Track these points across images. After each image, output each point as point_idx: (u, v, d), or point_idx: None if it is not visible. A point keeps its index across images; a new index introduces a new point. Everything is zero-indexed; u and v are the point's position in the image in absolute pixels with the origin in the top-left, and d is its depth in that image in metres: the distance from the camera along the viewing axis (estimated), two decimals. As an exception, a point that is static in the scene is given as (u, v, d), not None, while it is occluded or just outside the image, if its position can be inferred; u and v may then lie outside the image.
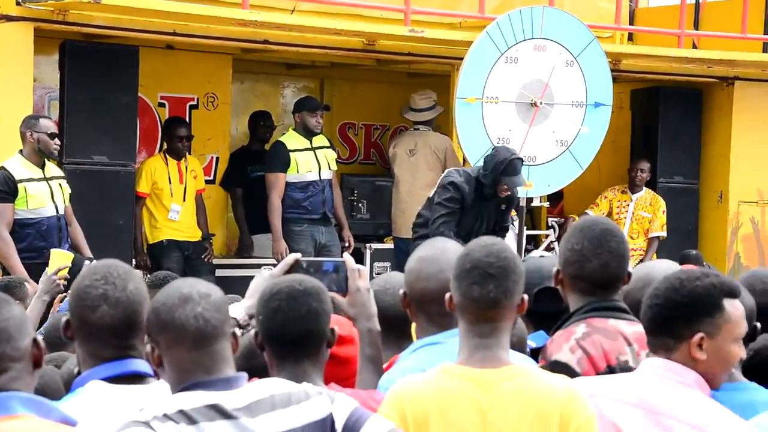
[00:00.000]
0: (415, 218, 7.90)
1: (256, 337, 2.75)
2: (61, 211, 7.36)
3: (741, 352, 2.74)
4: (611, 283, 3.21)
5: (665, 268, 3.34)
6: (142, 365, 2.63)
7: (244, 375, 2.50)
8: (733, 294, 2.73)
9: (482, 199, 7.59)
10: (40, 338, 2.30)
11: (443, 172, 8.69)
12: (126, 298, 2.61)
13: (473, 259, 2.71)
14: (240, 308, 3.03)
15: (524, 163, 8.06)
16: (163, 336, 2.47)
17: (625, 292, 3.31)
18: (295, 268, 3.06)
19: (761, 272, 3.69)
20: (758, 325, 3.30)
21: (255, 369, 2.78)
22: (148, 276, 5.98)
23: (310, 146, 8.80)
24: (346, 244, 8.97)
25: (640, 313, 2.81)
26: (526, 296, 2.75)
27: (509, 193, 7.63)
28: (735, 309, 2.73)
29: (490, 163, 7.56)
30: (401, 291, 3.09)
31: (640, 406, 2.69)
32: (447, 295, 2.76)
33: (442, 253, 3.06)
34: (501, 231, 7.71)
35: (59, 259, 5.62)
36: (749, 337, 2.96)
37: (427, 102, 9.31)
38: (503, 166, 7.48)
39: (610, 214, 10.08)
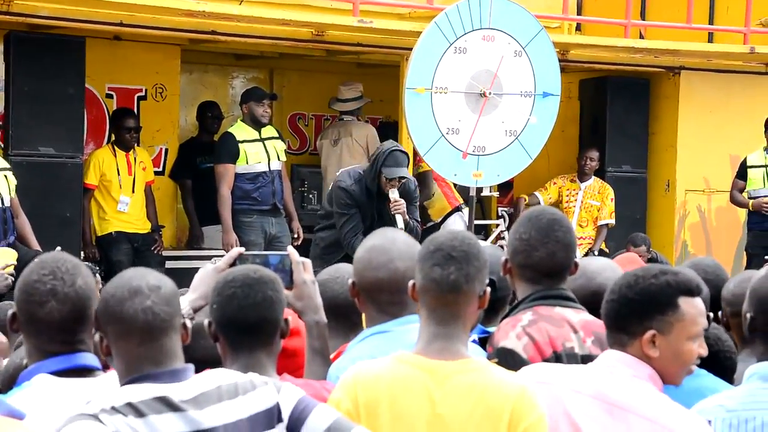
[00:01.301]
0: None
1: (210, 326, 2.74)
2: (6, 203, 7.28)
3: (700, 350, 2.74)
4: (558, 272, 3.24)
5: (599, 264, 3.39)
6: (90, 359, 2.61)
7: (191, 367, 2.49)
8: (691, 292, 2.73)
9: (372, 196, 7.44)
10: None
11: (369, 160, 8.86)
12: (74, 293, 2.59)
13: (438, 242, 2.73)
14: (184, 301, 3.01)
15: (474, 153, 8.10)
16: (112, 328, 2.46)
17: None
18: (239, 261, 3.05)
19: (704, 261, 3.73)
20: (710, 314, 3.34)
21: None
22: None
23: (259, 137, 8.79)
24: (295, 236, 8.97)
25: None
26: (488, 289, 2.75)
27: (393, 185, 7.37)
28: (691, 307, 2.73)
29: (373, 158, 7.58)
30: (350, 280, 3.09)
31: (596, 397, 2.72)
32: (410, 283, 2.76)
33: (392, 242, 3.07)
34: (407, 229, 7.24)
35: (2, 256, 5.57)
36: None
37: (352, 93, 9.45)
38: (384, 158, 7.44)
39: (559, 202, 10.16)
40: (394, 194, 7.38)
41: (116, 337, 2.45)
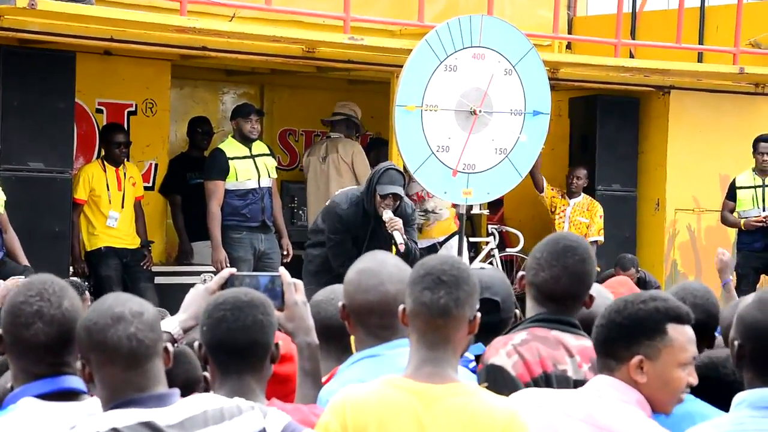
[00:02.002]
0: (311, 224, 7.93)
1: (200, 348, 2.73)
2: (-6, 219, 7.26)
3: (689, 378, 2.73)
4: (561, 298, 3.23)
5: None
6: (76, 382, 2.59)
7: (177, 392, 2.48)
8: (680, 319, 2.72)
9: (370, 217, 7.41)
10: None
11: (355, 177, 8.83)
12: (61, 315, 2.57)
13: (428, 266, 2.72)
14: (174, 322, 3.00)
15: (464, 171, 8.11)
16: (95, 355, 2.45)
17: None
18: (230, 281, 3.04)
19: (692, 285, 3.72)
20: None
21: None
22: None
23: (249, 154, 8.78)
24: (285, 252, 8.96)
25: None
26: (479, 314, 2.74)
27: (387, 204, 7.34)
28: (679, 334, 2.72)
29: (368, 178, 7.58)
30: (340, 303, 3.08)
31: (587, 421, 2.71)
32: (400, 307, 2.75)
33: (381, 265, 3.06)
34: (401, 255, 7.07)
35: None
36: None
37: (344, 110, 9.45)
38: (378, 176, 7.43)
39: (553, 211, 10.13)
40: (387, 214, 7.36)
41: (100, 365, 2.44)
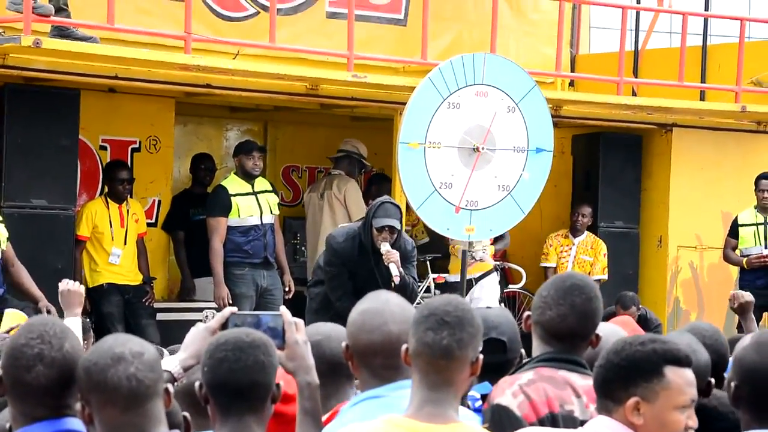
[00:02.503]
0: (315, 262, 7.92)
1: (201, 389, 2.73)
2: (-4, 256, 7.25)
3: (689, 422, 2.71)
4: (567, 337, 3.21)
5: (606, 330, 3.36)
6: (76, 424, 2.58)
7: (176, 433, 2.47)
8: (678, 362, 2.71)
9: (367, 252, 7.37)
10: None
11: (348, 214, 8.82)
12: (62, 357, 2.56)
13: (432, 307, 2.72)
14: (174, 360, 3.00)
15: (467, 207, 8.14)
16: (95, 396, 2.44)
17: None
18: (231, 320, 3.04)
19: (701, 326, 3.71)
20: (712, 380, 3.31)
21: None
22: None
23: (251, 190, 8.80)
24: (287, 289, 8.95)
25: None
26: (481, 356, 2.74)
27: (384, 238, 7.31)
28: (678, 377, 2.71)
29: (366, 213, 7.59)
30: (343, 344, 3.07)
31: None
32: (403, 347, 2.75)
33: (385, 305, 3.05)
34: (397, 288, 7.07)
35: (13, 319, 5.52)
36: (703, 393, 2.96)
37: (347, 146, 9.47)
38: (374, 210, 7.43)
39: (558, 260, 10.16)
40: (385, 246, 7.36)
41: (100, 405, 2.43)
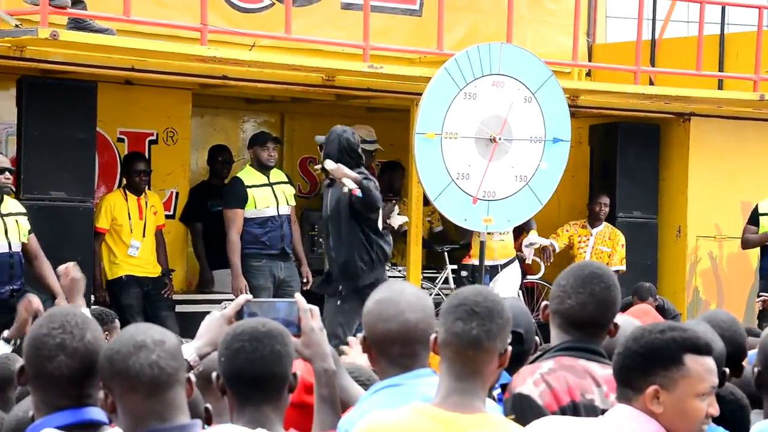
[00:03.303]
0: None
1: (218, 379, 2.73)
2: (15, 248, 7.29)
3: (710, 409, 2.70)
4: (586, 325, 3.21)
5: (624, 322, 3.35)
6: (97, 413, 2.59)
7: (198, 422, 2.48)
8: (698, 350, 2.70)
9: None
10: None
11: None
12: (83, 347, 2.57)
13: (462, 297, 2.73)
14: (190, 349, 3.01)
15: (484, 198, 8.16)
16: (117, 383, 2.45)
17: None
18: (247, 308, 3.04)
19: (718, 315, 3.69)
20: (726, 370, 3.30)
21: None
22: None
23: (267, 182, 8.81)
24: (305, 280, 8.96)
25: None
26: (510, 348, 2.74)
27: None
28: (698, 365, 2.70)
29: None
30: (360, 335, 3.08)
31: None
32: (432, 336, 2.76)
33: (400, 294, 3.06)
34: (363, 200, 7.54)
35: None
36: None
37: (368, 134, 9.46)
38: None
39: (571, 248, 10.14)
40: (329, 164, 7.55)
41: (122, 393, 2.44)
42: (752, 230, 9.79)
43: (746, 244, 9.85)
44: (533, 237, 9.51)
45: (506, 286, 9.08)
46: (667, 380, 2.67)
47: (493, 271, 9.14)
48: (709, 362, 2.72)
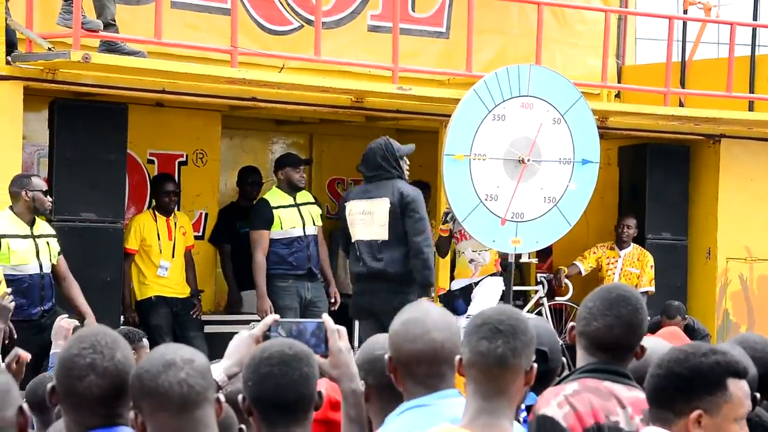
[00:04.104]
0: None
1: (244, 401, 2.74)
2: (46, 270, 7.35)
3: (742, 431, 2.70)
4: (613, 348, 3.20)
5: (653, 344, 3.33)
6: (128, 433, 2.61)
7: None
8: (739, 374, 2.69)
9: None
10: (26, 407, 2.28)
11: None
12: (114, 367, 2.58)
13: (485, 316, 2.74)
14: (218, 369, 3.01)
15: (513, 219, 8.14)
16: (147, 402, 2.46)
17: None
18: (275, 328, 3.05)
19: (751, 338, 3.67)
20: (758, 395, 3.27)
21: None
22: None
23: (293, 203, 8.83)
24: (332, 300, 8.96)
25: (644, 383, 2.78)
26: (535, 365, 2.73)
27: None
28: (738, 389, 2.69)
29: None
30: (386, 356, 3.08)
31: None
32: (457, 358, 2.76)
33: (426, 314, 3.05)
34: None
35: None
36: None
37: None
38: (394, 146, 7.81)
39: (599, 270, 10.10)
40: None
41: (152, 411, 2.45)
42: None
43: None
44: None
45: (485, 299, 8.74)
46: (711, 405, 2.65)
47: (468, 289, 8.92)
48: (746, 386, 2.71)
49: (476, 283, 9.20)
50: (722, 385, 2.66)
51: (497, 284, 8.80)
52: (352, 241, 7.83)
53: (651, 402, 2.74)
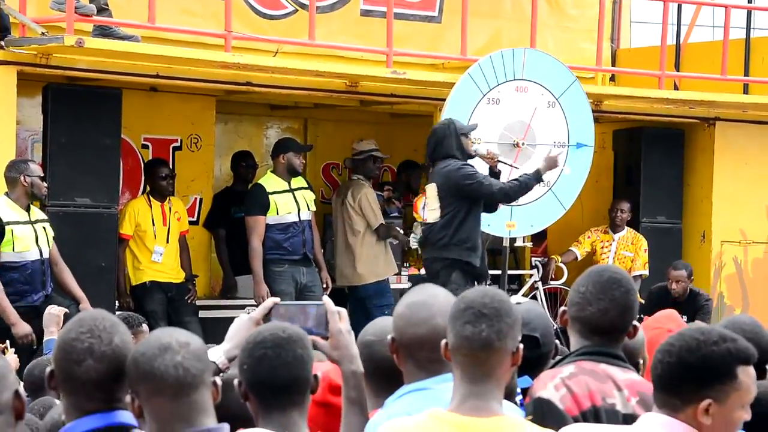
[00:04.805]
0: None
1: (240, 386, 2.74)
2: (45, 255, 7.35)
3: (746, 416, 2.69)
4: (608, 331, 3.21)
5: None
6: (126, 417, 2.60)
7: (226, 426, 2.48)
8: (748, 360, 2.68)
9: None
10: (21, 390, 2.28)
11: (362, 220, 8.82)
12: (112, 351, 2.58)
13: (468, 299, 2.72)
14: (219, 352, 3.02)
15: (508, 203, 8.14)
16: (143, 386, 2.46)
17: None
18: (276, 311, 3.05)
19: (740, 319, 3.68)
20: None
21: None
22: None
23: (288, 188, 8.82)
24: (324, 286, 8.96)
25: (650, 367, 2.77)
26: (521, 346, 2.73)
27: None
28: (747, 377, 2.67)
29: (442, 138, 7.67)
30: (389, 337, 3.07)
31: None
32: (443, 342, 2.75)
33: (432, 298, 3.05)
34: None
35: None
36: None
37: (363, 146, 9.35)
38: (456, 125, 7.67)
39: (593, 254, 10.11)
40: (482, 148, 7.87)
41: (148, 395, 2.45)
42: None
43: None
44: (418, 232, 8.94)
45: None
46: (721, 394, 2.64)
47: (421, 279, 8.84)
48: (753, 371, 2.70)
49: None
50: (733, 374, 2.64)
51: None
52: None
53: (658, 387, 2.72)
